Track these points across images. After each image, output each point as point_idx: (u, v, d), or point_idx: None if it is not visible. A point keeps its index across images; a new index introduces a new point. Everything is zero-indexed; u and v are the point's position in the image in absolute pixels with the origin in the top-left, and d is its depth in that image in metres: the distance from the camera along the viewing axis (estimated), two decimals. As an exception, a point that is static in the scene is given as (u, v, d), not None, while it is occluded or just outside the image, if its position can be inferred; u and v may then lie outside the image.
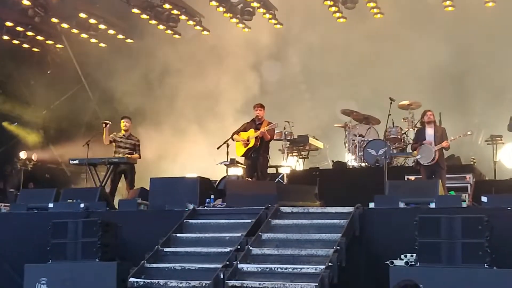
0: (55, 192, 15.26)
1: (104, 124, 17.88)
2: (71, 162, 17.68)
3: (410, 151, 17.90)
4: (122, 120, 18.01)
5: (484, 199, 12.69)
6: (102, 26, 23.32)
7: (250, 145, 16.69)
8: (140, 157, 17.82)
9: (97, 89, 25.22)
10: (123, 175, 17.51)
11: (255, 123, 16.91)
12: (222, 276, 11.25)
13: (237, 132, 16.91)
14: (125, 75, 23.19)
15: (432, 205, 12.52)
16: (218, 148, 17.02)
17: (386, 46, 22.56)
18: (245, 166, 16.96)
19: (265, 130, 16.57)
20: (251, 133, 16.70)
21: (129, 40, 24.44)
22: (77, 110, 25.02)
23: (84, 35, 23.50)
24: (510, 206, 11.91)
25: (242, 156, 16.96)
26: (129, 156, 17.38)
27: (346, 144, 19.75)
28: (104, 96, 24.92)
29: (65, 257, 12.86)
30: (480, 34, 21.24)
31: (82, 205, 14.38)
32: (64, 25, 23.07)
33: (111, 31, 23.75)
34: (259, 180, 16.50)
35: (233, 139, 16.92)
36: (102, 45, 24.20)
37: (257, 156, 16.76)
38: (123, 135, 17.75)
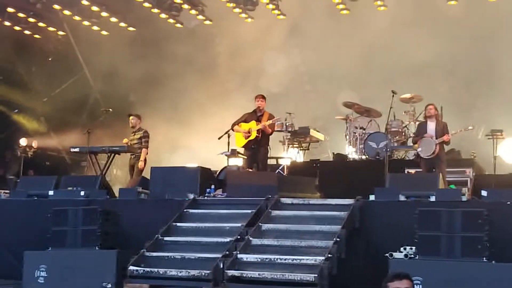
0: (55, 179, 15.29)
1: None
2: (72, 150, 17.67)
3: (411, 144, 17.87)
4: (129, 118, 18.10)
5: (484, 193, 12.70)
6: (104, 14, 23.30)
7: (251, 137, 16.60)
8: (147, 148, 17.82)
9: (99, 77, 25.22)
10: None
11: (256, 114, 16.77)
12: (221, 266, 11.29)
13: (237, 123, 16.84)
14: (126, 63, 23.13)
15: (432, 199, 12.54)
16: (219, 138, 17.01)
17: (389, 39, 22.48)
18: (245, 157, 16.94)
19: (267, 124, 16.49)
20: (253, 125, 16.56)
21: (131, 28, 24.40)
22: (78, 97, 25.02)
23: (86, 23, 23.49)
24: (510, 201, 11.93)
25: (243, 147, 16.91)
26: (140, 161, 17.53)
27: (347, 137, 19.68)
28: (105, 84, 24.89)
29: (65, 245, 12.91)
30: (482, 28, 21.19)
31: (82, 193, 14.41)
32: (66, 12, 23.07)
33: (113, 19, 23.72)
34: (259, 171, 16.49)
35: (233, 130, 16.88)
36: (104, 32, 24.18)
37: (257, 147, 16.66)
38: (132, 133, 17.87)
